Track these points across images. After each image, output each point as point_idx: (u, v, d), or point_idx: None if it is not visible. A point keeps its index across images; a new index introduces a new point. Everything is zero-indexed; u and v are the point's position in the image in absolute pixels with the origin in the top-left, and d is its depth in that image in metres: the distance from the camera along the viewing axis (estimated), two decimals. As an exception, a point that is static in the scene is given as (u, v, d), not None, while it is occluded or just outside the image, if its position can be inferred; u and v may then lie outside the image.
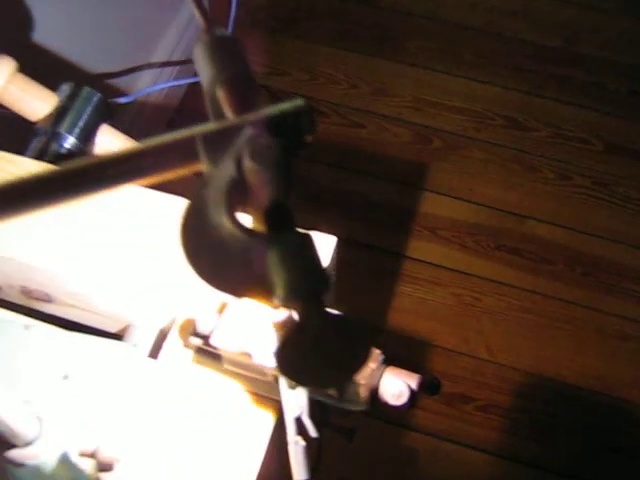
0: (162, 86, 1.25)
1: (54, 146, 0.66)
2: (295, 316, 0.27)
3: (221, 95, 0.31)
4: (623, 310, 1.57)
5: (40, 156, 0.65)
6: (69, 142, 0.66)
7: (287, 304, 0.26)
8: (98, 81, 1.46)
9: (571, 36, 1.90)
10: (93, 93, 0.68)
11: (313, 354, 0.26)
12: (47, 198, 0.29)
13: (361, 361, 0.27)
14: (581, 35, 1.91)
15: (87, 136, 0.67)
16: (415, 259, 1.63)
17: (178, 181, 0.31)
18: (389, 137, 1.76)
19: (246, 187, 0.28)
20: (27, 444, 0.40)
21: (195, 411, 0.49)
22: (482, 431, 1.46)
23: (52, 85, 0.76)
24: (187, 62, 1.77)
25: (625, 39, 1.90)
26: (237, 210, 0.28)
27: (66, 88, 0.69)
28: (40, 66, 1.00)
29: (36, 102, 0.67)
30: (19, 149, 0.66)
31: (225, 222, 0.28)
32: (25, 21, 1.11)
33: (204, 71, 0.31)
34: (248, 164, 0.27)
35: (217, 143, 0.29)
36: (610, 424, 1.48)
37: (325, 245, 0.57)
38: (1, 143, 0.64)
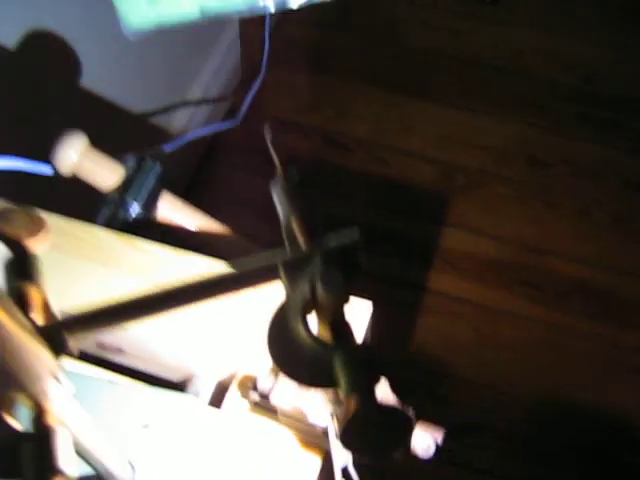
0: (206, 131, 1.35)
1: (122, 213, 0.76)
2: (353, 404, 0.37)
3: (294, 226, 0.41)
4: (639, 344, 1.65)
5: (109, 223, 0.76)
6: (135, 209, 0.77)
7: (348, 397, 0.36)
8: (139, 121, 1.57)
9: (591, 74, 2.00)
10: (155, 164, 0.79)
11: (367, 435, 0.36)
12: (156, 310, 0.39)
13: (405, 441, 0.37)
14: (600, 74, 2.00)
15: (150, 203, 0.78)
16: (437, 292, 1.72)
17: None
18: (413, 173, 1.86)
19: (316, 304, 0.38)
20: (123, 485, 0.51)
21: (252, 454, 0.60)
22: (498, 459, 1.55)
23: (112, 145, 0.87)
24: (221, 100, 1.88)
25: (643, 78, 1.99)
26: (308, 319, 0.39)
27: (131, 160, 0.80)
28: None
29: (105, 173, 0.78)
30: (91, 217, 0.77)
31: (301, 331, 0.38)
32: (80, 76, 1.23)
33: (281, 207, 0.42)
34: (319, 289, 0.37)
35: (294, 267, 0.39)
36: (624, 450, 1.56)
37: (361, 310, 0.66)
38: (74, 211, 0.75)
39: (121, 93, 1.46)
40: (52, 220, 0.71)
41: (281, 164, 0.41)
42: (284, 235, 0.42)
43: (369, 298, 0.64)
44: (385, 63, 2.03)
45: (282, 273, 0.39)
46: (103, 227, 0.74)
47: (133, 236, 0.71)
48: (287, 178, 0.42)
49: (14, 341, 0.33)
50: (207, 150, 1.84)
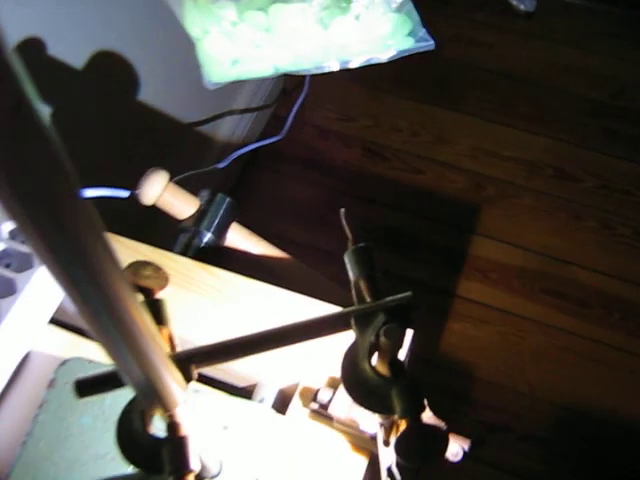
0: (255, 146, 1.48)
1: (196, 241, 0.90)
2: (405, 425, 0.50)
3: (362, 286, 0.55)
4: (656, 353, 1.77)
5: (185, 250, 0.90)
6: (207, 238, 0.91)
7: (402, 418, 0.50)
8: (190, 131, 1.71)
9: (619, 91, 2.10)
10: (225, 198, 0.92)
11: (414, 447, 0.50)
12: (257, 351, 0.53)
13: (442, 453, 0.50)
14: (628, 89, 2.11)
15: (221, 233, 0.91)
16: (465, 298, 1.85)
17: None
18: (446, 183, 1.98)
19: (379, 348, 0.52)
20: (213, 477, 0.65)
21: (311, 454, 0.74)
22: (520, 459, 1.67)
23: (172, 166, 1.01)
24: (265, 107, 2.01)
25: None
26: (372, 359, 0.52)
27: (205, 194, 0.93)
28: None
29: (183, 205, 0.92)
30: (169, 244, 0.91)
31: (367, 368, 0.52)
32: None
33: (352, 269, 0.55)
34: (382, 338, 0.51)
35: (362, 320, 0.53)
36: (637, 455, 1.68)
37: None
38: (156, 239, 0.89)
39: (175, 106, 1.60)
40: (139, 247, 0.86)
41: (353, 234, 0.55)
42: (353, 292, 0.55)
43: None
44: (420, 75, 2.15)
45: (354, 323, 0.52)
46: (179, 254, 0.89)
47: (207, 264, 0.85)
48: (356, 248, 0.55)
49: (161, 368, 0.47)
50: (250, 156, 1.97)
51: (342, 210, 0.55)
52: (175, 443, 0.50)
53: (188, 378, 0.50)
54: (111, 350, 0.42)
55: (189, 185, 0.99)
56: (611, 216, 1.93)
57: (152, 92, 1.46)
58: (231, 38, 0.71)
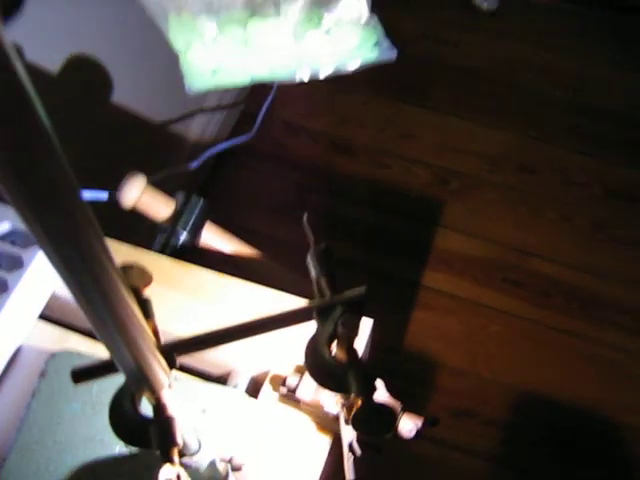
0: (226, 145, 1.56)
1: (173, 240, 0.98)
2: (359, 403, 0.59)
3: (322, 282, 0.63)
4: (613, 340, 1.87)
5: (163, 249, 0.98)
6: (184, 237, 0.99)
7: (356, 398, 0.59)
8: (162, 129, 1.78)
9: (578, 88, 2.21)
10: (199, 199, 1.01)
11: (368, 422, 0.59)
12: (230, 340, 0.62)
13: (392, 426, 0.59)
14: (588, 86, 2.21)
15: (196, 232, 1.00)
16: (431, 288, 1.94)
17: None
18: (412, 177, 2.08)
19: (337, 337, 0.61)
20: (193, 454, 0.73)
21: (281, 434, 0.83)
22: (484, 442, 1.77)
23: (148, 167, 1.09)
24: (235, 105, 2.09)
25: (629, 91, 2.20)
26: (331, 346, 0.61)
27: (180, 196, 1.02)
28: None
29: (160, 207, 1.00)
30: (148, 243, 1.00)
31: (327, 355, 0.61)
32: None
33: (313, 268, 0.64)
34: (340, 328, 0.60)
35: (323, 311, 0.61)
36: (598, 438, 1.79)
37: (364, 328, 0.88)
38: (135, 239, 0.97)
39: (146, 106, 1.67)
40: (120, 247, 0.94)
41: (315, 237, 0.64)
42: (315, 288, 0.64)
43: (371, 316, 0.86)
44: (386, 72, 2.23)
45: (315, 315, 0.61)
46: (158, 252, 0.97)
47: (184, 261, 0.94)
48: (317, 249, 0.64)
49: (149, 356, 0.55)
50: (221, 153, 2.05)
51: (304, 216, 0.64)
52: (161, 422, 0.59)
53: (172, 365, 0.59)
54: (107, 339, 0.51)
55: (162, 183, 1.07)
56: (569, 208, 2.03)
57: (124, 93, 1.54)
58: (211, 50, 0.79)
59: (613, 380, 1.83)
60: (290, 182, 2.06)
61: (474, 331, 1.89)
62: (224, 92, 2.03)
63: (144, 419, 0.59)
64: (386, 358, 1.82)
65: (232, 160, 2.08)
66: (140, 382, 0.57)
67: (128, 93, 1.56)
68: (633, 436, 1.76)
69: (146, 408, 0.61)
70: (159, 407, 0.59)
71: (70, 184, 0.37)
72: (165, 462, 0.57)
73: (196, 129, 1.94)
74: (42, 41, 1.23)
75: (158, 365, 0.57)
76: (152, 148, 1.75)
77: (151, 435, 0.59)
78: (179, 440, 0.58)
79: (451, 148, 2.12)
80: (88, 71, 1.43)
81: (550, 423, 1.79)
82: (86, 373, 0.59)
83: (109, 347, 0.51)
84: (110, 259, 0.44)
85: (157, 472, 0.57)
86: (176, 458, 0.58)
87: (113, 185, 1.01)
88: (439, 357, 1.87)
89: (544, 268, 1.96)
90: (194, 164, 1.33)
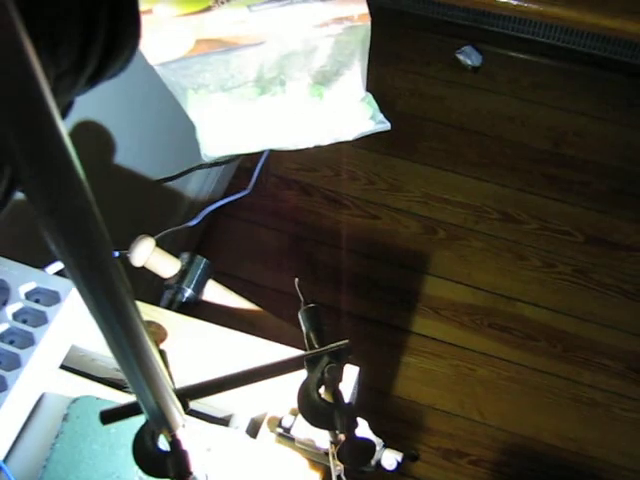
0: (223, 202, 1.68)
1: (178, 297, 1.12)
2: (343, 436, 0.72)
3: (312, 335, 0.77)
4: (595, 381, 1.99)
5: (170, 304, 1.11)
6: (188, 294, 1.12)
7: (341, 433, 0.72)
8: (160, 187, 1.92)
9: (559, 140, 2.36)
10: (202, 259, 1.14)
11: (352, 454, 0.72)
12: (221, 390, 0.75)
13: (370, 459, 0.72)
14: (568, 139, 2.36)
15: (200, 289, 1.13)
16: (420, 334, 2.07)
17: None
18: (400, 228, 2.22)
19: (325, 382, 0.74)
20: (200, 487, 0.86)
21: (278, 470, 0.95)
22: (473, 481, 1.90)
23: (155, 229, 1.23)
24: (231, 161, 2.23)
25: (607, 143, 2.35)
26: (320, 390, 0.74)
27: (185, 256, 1.15)
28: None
29: (167, 266, 1.13)
30: (155, 299, 1.13)
31: (316, 397, 0.74)
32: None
33: (304, 324, 0.77)
34: (326, 375, 0.73)
35: (312, 361, 0.74)
36: (580, 478, 1.90)
37: (349, 374, 1.01)
38: (144, 296, 1.10)
39: (145, 166, 1.81)
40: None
41: (305, 297, 0.77)
42: (305, 340, 0.77)
43: (358, 363, 0.99)
44: (377, 127, 2.38)
45: (305, 364, 0.74)
46: (165, 308, 1.10)
47: (189, 316, 1.07)
48: (307, 308, 0.77)
49: (168, 399, 0.68)
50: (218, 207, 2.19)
51: (296, 280, 0.77)
52: (177, 455, 0.71)
53: (185, 407, 0.72)
54: (135, 384, 0.63)
55: (161, 240, 1.20)
56: (552, 255, 2.17)
57: (125, 154, 1.68)
58: (225, 122, 0.91)
59: (597, 420, 1.95)
60: (285, 233, 2.20)
61: (462, 374, 2.01)
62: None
63: (162, 452, 0.72)
64: (377, 401, 1.95)
65: (230, 213, 2.21)
66: (160, 421, 0.70)
67: (129, 155, 1.70)
68: (617, 474, 1.88)
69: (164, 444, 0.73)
70: (175, 442, 0.72)
71: (107, 243, 0.48)
72: (181, 489, 0.70)
73: (194, 186, 2.08)
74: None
75: (175, 407, 0.70)
76: (152, 206, 1.89)
77: (168, 466, 0.71)
78: (194, 470, 0.71)
79: (437, 199, 2.26)
80: (94, 135, 1.58)
81: (536, 461, 1.90)
82: (114, 414, 0.72)
83: (136, 391, 0.64)
84: (138, 312, 0.57)
85: (174, 498, 0.69)
86: (190, 486, 0.70)
87: (117, 244, 1.14)
88: (429, 400, 1.99)
89: (528, 312, 2.09)
90: (194, 221, 1.47)
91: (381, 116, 0.93)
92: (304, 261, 2.13)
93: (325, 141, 0.95)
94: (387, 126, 0.94)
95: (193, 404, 1.04)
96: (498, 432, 1.94)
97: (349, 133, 0.95)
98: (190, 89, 0.80)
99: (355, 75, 0.80)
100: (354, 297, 2.11)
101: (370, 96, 0.93)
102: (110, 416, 0.73)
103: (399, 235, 2.21)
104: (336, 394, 0.74)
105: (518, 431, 1.94)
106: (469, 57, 2.46)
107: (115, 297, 0.51)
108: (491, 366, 2.02)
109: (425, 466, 1.89)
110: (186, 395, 0.73)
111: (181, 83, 0.78)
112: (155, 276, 1.13)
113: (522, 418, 1.96)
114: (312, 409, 0.73)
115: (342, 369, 0.73)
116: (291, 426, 0.93)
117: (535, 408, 1.97)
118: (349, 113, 0.92)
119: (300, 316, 0.78)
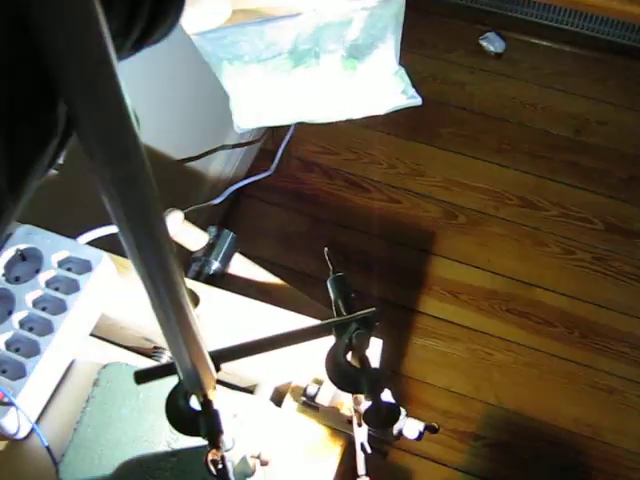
0: (246, 182, 1.71)
1: (206, 269, 1.14)
2: (370, 403, 0.74)
3: (340, 303, 0.79)
4: (612, 368, 2.00)
5: (197, 276, 1.13)
6: (215, 266, 1.14)
7: (367, 399, 0.74)
8: (184, 167, 1.95)
9: (581, 127, 2.37)
10: (229, 233, 1.17)
11: (378, 418, 0.74)
12: (245, 354, 0.77)
13: (396, 421, 0.74)
14: (589, 126, 2.37)
15: (226, 262, 1.15)
16: (438, 318, 2.09)
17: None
18: (421, 212, 2.23)
19: (352, 348, 0.76)
20: (227, 450, 0.88)
21: (302, 437, 0.97)
22: (488, 464, 1.90)
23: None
24: (254, 142, 2.26)
25: (628, 131, 2.36)
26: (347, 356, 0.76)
27: (213, 230, 1.17)
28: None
29: (195, 239, 1.16)
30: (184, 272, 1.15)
31: (344, 362, 0.76)
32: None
33: (332, 291, 0.80)
34: (354, 341, 0.75)
35: (340, 327, 0.77)
36: (595, 462, 1.92)
37: (375, 347, 1.03)
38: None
39: (172, 145, 1.84)
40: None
41: (333, 265, 0.79)
42: (333, 307, 0.79)
43: (380, 337, 1.01)
44: (398, 112, 2.40)
45: (334, 330, 0.76)
46: (192, 279, 1.12)
47: (215, 287, 1.09)
48: (335, 276, 0.79)
49: (202, 360, 0.70)
50: (241, 188, 2.21)
51: (325, 249, 0.79)
52: (209, 414, 0.74)
53: (217, 369, 0.74)
54: (172, 343, 0.66)
55: (185, 217, 1.22)
56: (571, 242, 2.18)
57: (152, 133, 1.70)
58: (258, 94, 0.93)
59: (612, 406, 1.96)
60: (307, 216, 2.22)
61: (479, 358, 2.03)
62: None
63: (195, 412, 0.74)
64: (393, 382, 1.97)
65: (252, 194, 2.24)
66: (194, 382, 0.72)
67: (156, 133, 1.73)
68: (632, 460, 1.89)
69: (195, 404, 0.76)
70: (207, 403, 0.74)
71: (158, 205, 0.51)
72: (212, 448, 0.73)
73: (217, 166, 2.11)
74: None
75: (207, 369, 0.72)
76: (176, 185, 1.91)
77: (200, 425, 0.74)
78: (223, 429, 0.73)
79: (458, 184, 2.27)
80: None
81: (552, 445, 1.91)
82: (147, 375, 0.74)
83: (174, 350, 0.66)
84: (180, 272, 0.58)
85: (206, 455, 0.72)
86: (221, 444, 0.73)
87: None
88: (445, 382, 2.01)
89: (547, 299, 2.10)
90: (218, 200, 1.49)
91: (413, 90, 0.94)
92: (323, 243, 2.14)
93: (357, 115, 0.96)
94: (418, 101, 0.94)
95: (219, 374, 1.07)
96: (514, 416, 1.96)
97: (381, 107, 0.95)
98: (225, 60, 0.81)
99: (388, 49, 0.82)
100: (372, 279, 2.13)
101: (402, 70, 0.93)
102: (144, 376, 0.75)
103: (419, 219, 2.22)
104: (363, 360, 0.76)
105: (534, 415, 1.96)
106: (492, 43, 2.47)
107: (161, 254, 0.53)
108: (508, 351, 2.04)
109: (442, 448, 1.91)
110: (219, 357, 0.75)
111: (217, 53, 0.79)
112: (180, 249, 1.16)
113: (538, 403, 1.97)
114: (340, 373, 0.76)
115: (369, 336, 0.76)
116: (315, 394, 0.95)
117: (551, 393, 1.99)
118: (381, 87, 0.93)
119: (329, 284, 0.80)
